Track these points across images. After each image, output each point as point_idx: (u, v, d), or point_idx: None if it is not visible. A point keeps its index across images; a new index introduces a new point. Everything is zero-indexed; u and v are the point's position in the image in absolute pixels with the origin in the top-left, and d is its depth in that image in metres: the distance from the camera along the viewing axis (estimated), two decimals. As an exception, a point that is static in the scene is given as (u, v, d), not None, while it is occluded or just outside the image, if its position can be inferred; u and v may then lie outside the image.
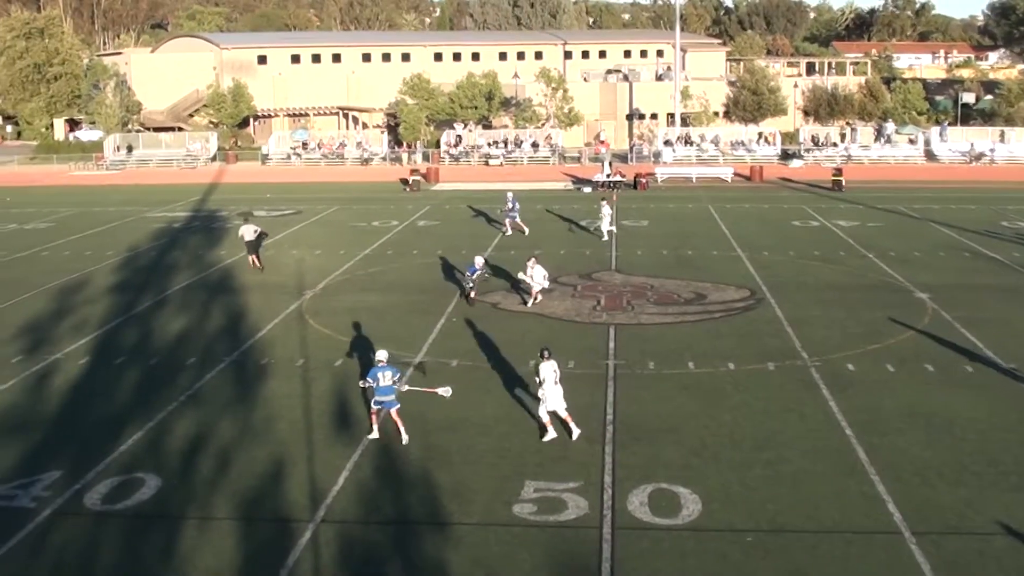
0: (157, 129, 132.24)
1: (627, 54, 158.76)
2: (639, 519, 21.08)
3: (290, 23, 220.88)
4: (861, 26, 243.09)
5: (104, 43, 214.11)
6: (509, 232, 59.12)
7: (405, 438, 25.95)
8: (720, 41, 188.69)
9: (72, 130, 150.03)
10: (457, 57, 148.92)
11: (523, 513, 21.39)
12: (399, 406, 26.22)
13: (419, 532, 20.75)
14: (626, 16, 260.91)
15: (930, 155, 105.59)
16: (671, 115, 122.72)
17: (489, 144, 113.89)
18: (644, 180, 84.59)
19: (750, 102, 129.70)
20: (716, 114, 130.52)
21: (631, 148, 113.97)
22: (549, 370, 25.99)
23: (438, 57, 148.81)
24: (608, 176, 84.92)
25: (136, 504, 22.64)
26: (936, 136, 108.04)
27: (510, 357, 33.13)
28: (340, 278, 47.15)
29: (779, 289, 42.91)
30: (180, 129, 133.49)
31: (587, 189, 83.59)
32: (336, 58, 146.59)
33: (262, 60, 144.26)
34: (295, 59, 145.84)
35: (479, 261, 41.48)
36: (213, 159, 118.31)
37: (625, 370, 31.58)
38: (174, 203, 79.89)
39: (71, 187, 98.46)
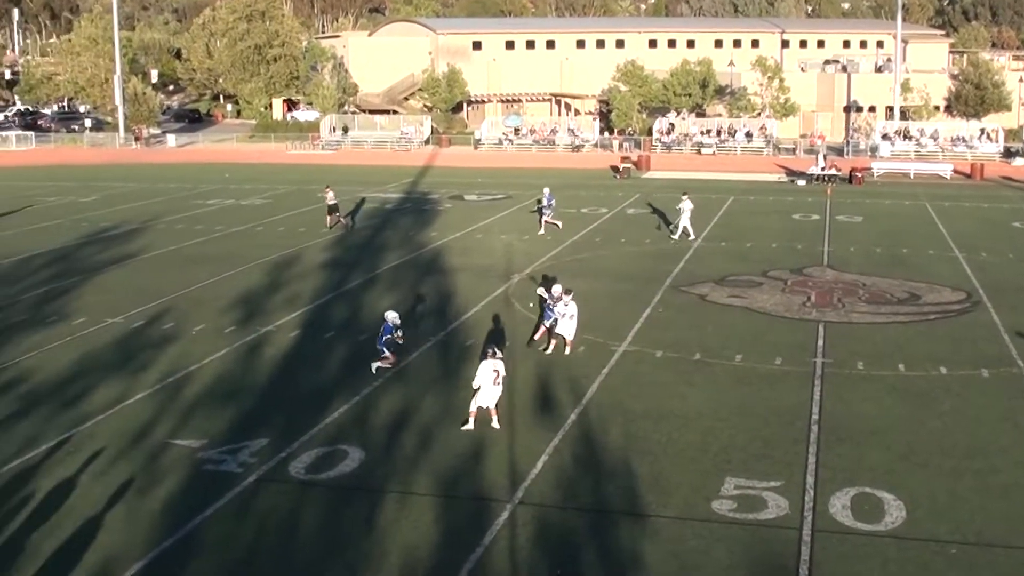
0: (372, 111, 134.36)
1: (846, 44, 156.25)
2: (840, 522, 20.65)
3: (505, 9, 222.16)
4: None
5: (323, 26, 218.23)
6: (542, 231, 56.23)
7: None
8: (943, 32, 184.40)
9: (290, 110, 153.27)
10: (672, 44, 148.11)
11: (722, 509, 21.18)
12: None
13: (615, 521, 20.70)
14: (846, 5, 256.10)
15: None
16: (889, 108, 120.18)
17: (702, 133, 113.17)
18: (860, 175, 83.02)
19: (972, 96, 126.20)
20: (936, 108, 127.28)
21: (847, 141, 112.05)
22: (489, 369, 26.11)
23: (652, 44, 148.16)
24: (823, 169, 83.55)
25: (338, 475, 23.10)
26: None
27: (716, 350, 32.86)
28: (547, 263, 47.33)
29: (997, 293, 41.64)
30: (395, 112, 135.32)
31: (801, 182, 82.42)
32: (550, 44, 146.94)
33: (477, 46, 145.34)
34: (509, 45, 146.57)
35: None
36: (426, 142, 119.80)
37: (833, 369, 31.03)
38: (387, 184, 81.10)
39: (287, 165, 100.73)
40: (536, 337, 33.40)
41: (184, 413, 27.15)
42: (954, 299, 40.64)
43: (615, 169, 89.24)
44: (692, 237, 53.56)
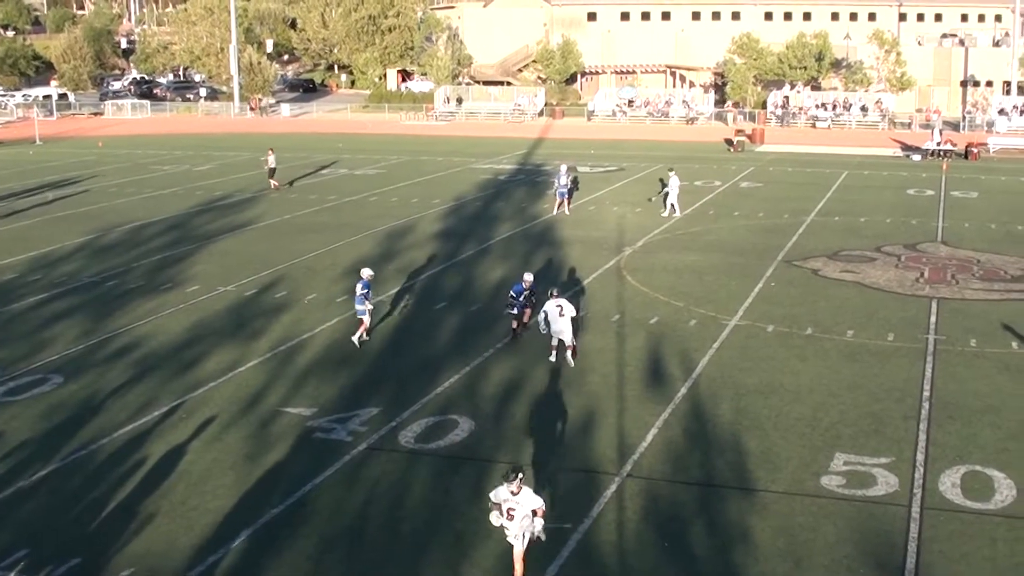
0: (486, 83, 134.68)
1: (964, 18, 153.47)
2: (949, 500, 20.42)
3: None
4: None
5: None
6: (565, 211, 53.63)
7: (356, 339, 30.54)
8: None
9: (404, 81, 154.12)
10: (788, 16, 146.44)
11: (831, 485, 21.02)
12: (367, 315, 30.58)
13: (724, 495, 20.65)
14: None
15: None
16: (1007, 83, 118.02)
17: (817, 106, 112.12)
18: (976, 150, 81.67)
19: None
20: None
21: (963, 116, 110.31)
22: (552, 306, 28.54)
23: (768, 16, 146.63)
24: (938, 144, 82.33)
25: (448, 445, 23.25)
26: None
27: (828, 325, 32.57)
28: (660, 236, 47.19)
29: (1116, 270, 40.89)
30: (508, 84, 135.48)
31: (916, 157, 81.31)
32: (665, 16, 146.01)
33: (591, 17, 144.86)
34: (624, 16, 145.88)
35: (528, 279, 32.19)
36: (540, 114, 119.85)
37: (945, 346, 30.62)
38: (500, 156, 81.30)
39: (401, 136, 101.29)
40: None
41: (295, 381, 27.48)
42: (1073, 277, 39.92)
43: (729, 142, 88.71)
44: (678, 214, 52.12)
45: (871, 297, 36.37)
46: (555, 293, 29.24)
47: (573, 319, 28.80)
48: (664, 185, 53.51)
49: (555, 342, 28.89)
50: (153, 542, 18.76)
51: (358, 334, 30.65)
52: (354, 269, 39.80)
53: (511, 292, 31.47)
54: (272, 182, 62.17)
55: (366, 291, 30.48)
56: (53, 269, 40.85)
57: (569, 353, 28.90)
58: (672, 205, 52.45)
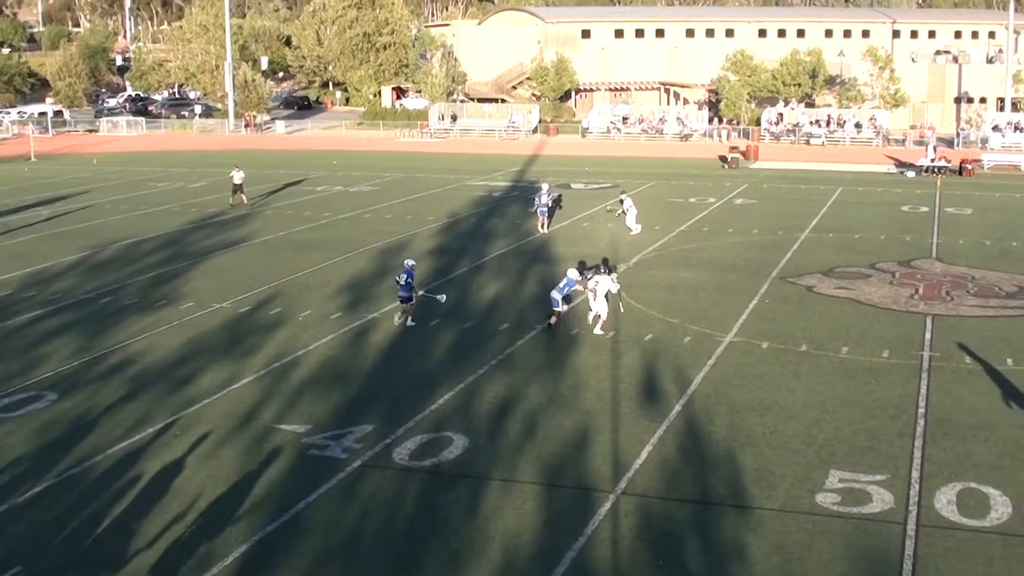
0: (481, 100, 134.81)
1: (957, 35, 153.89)
2: (945, 518, 20.36)
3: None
4: None
5: (432, 14, 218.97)
6: (545, 231, 53.38)
7: (397, 321, 34.55)
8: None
9: (399, 98, 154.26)
10: (782, 33, 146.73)
11: (826, 503, 20.99)
12: (412, 301, 34.56)
13: (719, 513, 20.59)
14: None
15: None
16: (1001, 100, 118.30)
17: (811, 123, 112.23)
18: (970, 166, 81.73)
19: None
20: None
21: (957, 133, 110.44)
22: (592, 282, 33.61)
23: (762, 33, 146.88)
24: (932, 161, 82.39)
25: (442, 462, 23.20)
26: None
27: (823, 342, 32.57)
28: (654, 253, 47.20)
29: (1110, 286, 40.89)
30: (503, 101, 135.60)
31: (910, 173, 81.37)
32: (659, 33, 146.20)
33: (585, 34, 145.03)
34: (618, 33, 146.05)
35: (573, 275, 34.54)
36: (534, 131, 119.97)
37: (940, 363, 30.63)
38: (494, 173, 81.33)
39: (396, 153, 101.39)
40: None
41: (290, 398, 27.45)
42: (1067, 294, 39.93)
43: (723, 159, 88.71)
44: (635, 231, 51.96)
45: (866, 314, 36.37)
46: (604, 269, 34.27)
47: (609, 294, 33.51)
48: (621, 204, 53.39)
49: (591, 315, 33.61)
50: (147, 559, 18.71)
51: (406, 317, 34.59)
52: (348, 286, 40.09)
53: (564, 284, 33.96)
54: (240, 197, 62.15)
55: (411, 279, 34.29)
56: (48, 286, 40.84)
57: (598, 325, 33.50)
58: (629, 225, 52.14)
